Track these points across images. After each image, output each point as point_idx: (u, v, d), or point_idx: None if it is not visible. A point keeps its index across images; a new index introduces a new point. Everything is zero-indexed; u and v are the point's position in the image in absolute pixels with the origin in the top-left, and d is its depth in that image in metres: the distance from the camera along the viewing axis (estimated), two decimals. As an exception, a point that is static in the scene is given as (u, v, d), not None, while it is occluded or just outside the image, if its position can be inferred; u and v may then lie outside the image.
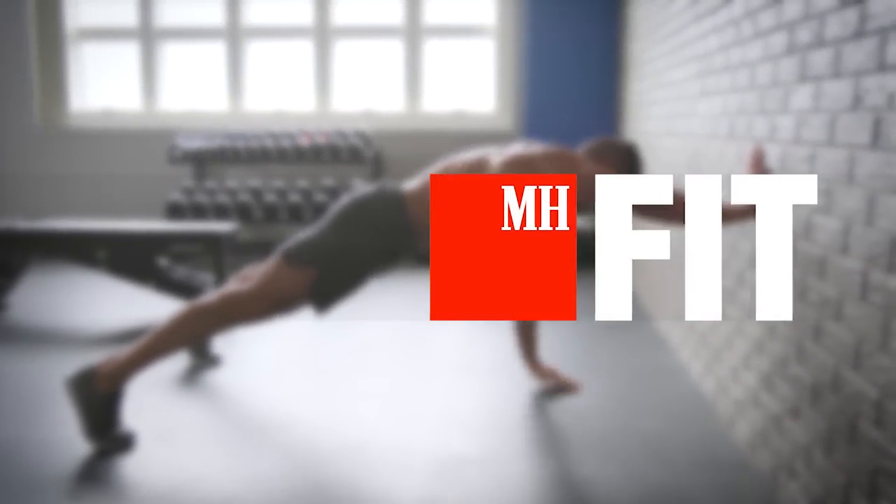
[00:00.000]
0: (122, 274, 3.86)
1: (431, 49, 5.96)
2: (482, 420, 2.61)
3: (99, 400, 2.29)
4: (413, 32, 5.92)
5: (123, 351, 2.36)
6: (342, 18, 5.99)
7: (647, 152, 4.12)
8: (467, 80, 6.00)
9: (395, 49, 5.99)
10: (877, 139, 1.55)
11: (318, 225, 2.46)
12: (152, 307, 3.97)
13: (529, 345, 2.92)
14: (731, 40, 2.55)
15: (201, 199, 5.54)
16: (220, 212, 5.50)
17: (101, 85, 6.26)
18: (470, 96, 5.99)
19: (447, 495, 2.07)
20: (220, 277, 3.87)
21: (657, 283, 3.80)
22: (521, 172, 2.31)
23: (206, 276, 4.00)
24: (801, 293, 1.94)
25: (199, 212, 5.49)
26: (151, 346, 2.33)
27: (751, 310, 2.31)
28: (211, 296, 2.39)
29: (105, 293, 4.39)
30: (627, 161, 2.59)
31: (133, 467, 2.22)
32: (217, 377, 3.01)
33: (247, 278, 2.66)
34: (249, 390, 2.87)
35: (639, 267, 4.32)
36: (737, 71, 2.49)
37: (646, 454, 2.33)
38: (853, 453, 1.64)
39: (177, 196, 5.58)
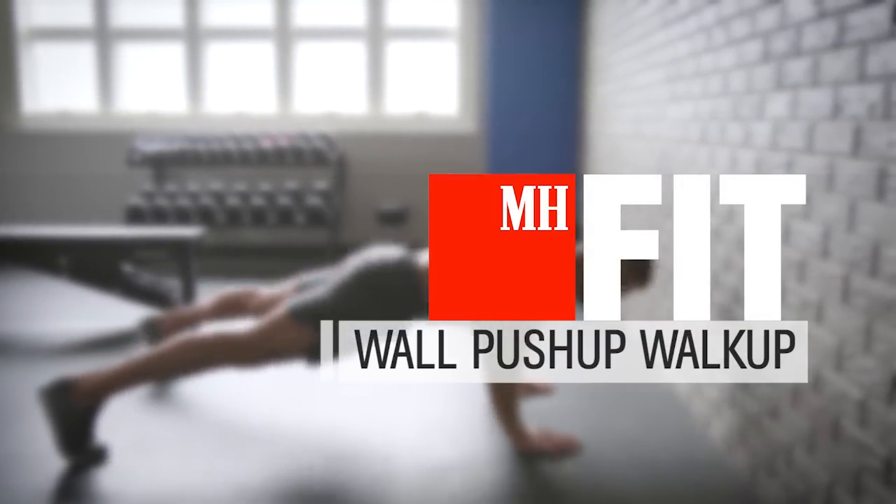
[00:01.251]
0: (86, 281, 3.76)
1: (394, 51, 5.94)
2: (463, 425, 2.61)
3: (75, 413, 2.23)
4: (375, 34, 5.89)
5: (108, 368, 2.30)
6: (304, 20, 5.93)
7: (614, 154, 4.16)
8: (430, 83, 6.00)
9: (357, 51, 5.95)
10: (857, 147, 1.59)
11: (331, 283, 2.43)
12: (118, 315, 3.88)
13: None
14: (703, 47, 2.59)
15: (162, 202, 5.43)
16: (182, 216, 5.40)
17: (55, 86, 6.10)
18: (433, 98, 5.99)
19: (432, 500, 2.07)
20: (188, 283, 3.81)
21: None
22: None
23: (172, 283, 3.93)
24: (781, 296, 1.98)
25: (159, 216, 5.38)
26: (138, 369, 2.29)
27: (726, 310, 2.36)
28: (208, 333, 2.35)
29: (69, 300, 4.28)
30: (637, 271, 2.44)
31: (113, 480, 2.17)
32: (191, 386, 2.95)
33: (231, 304, 2.61)
34: (226, 399, 2.83)
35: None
36: (709, 77, 2.53)
37: (624, 454, 2.36)
38: (837, 452, 1.68)
39: (136, 200, 5.46)
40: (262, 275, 5.01)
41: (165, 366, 2.29)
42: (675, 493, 2.12)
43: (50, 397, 2.23)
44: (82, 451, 2.25)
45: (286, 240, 5.87)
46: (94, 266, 3.75)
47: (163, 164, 5.73)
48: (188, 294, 3.85)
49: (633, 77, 3.67)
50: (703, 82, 2.58)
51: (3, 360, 3.27)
